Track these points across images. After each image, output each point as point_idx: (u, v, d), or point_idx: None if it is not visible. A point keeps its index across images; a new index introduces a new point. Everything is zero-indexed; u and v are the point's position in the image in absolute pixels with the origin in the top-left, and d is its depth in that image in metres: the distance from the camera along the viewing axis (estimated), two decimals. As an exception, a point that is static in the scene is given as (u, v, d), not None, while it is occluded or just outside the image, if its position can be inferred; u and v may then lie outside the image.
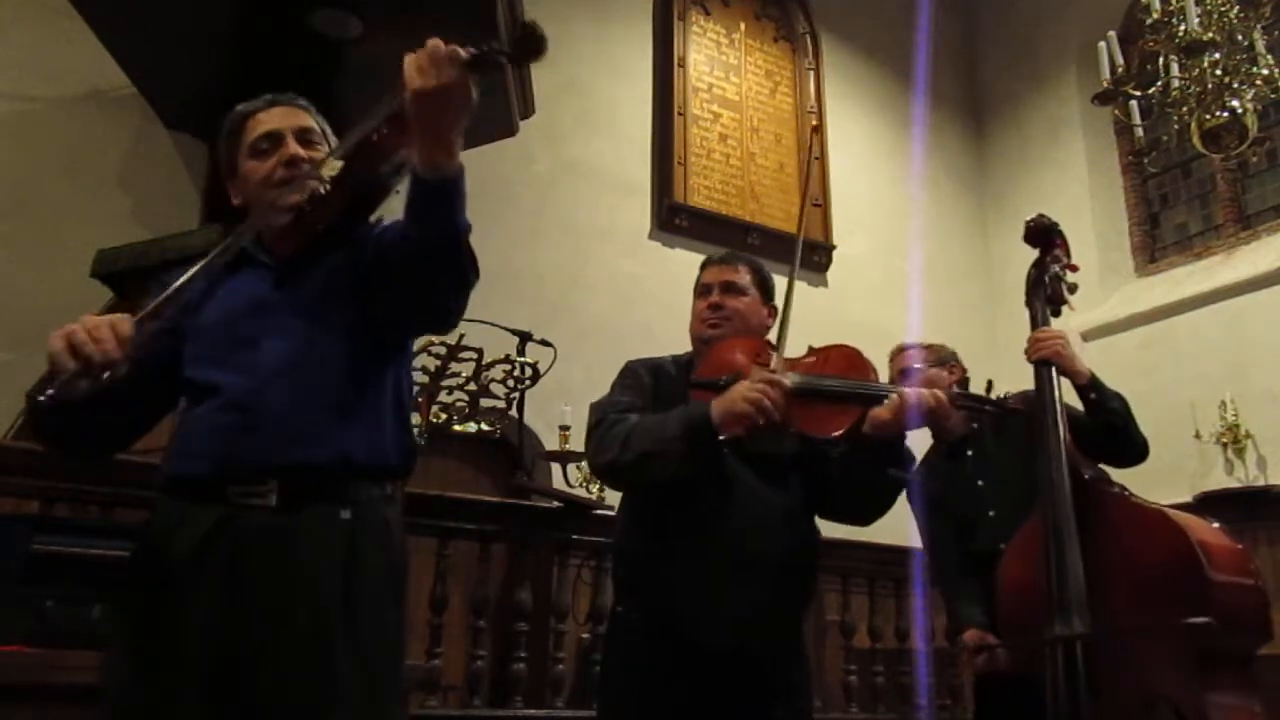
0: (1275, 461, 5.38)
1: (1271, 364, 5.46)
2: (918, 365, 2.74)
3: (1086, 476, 2.16)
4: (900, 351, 2.83)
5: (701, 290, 2.14)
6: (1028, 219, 2.47)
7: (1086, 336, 6.41)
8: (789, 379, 1.85)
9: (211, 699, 1.35)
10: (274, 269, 1.58)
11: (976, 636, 2.52)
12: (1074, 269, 2.44)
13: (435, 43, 1.33)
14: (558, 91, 5.47)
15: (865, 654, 3.94)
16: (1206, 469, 5.58)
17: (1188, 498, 5.31)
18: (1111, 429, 2.44)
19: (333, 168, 1.51)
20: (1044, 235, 2.44)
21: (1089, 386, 2.43)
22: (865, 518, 2.05)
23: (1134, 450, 2.51)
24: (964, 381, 2.75)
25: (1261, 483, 5.33)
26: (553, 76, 5.35)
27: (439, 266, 1.42)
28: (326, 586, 1.42)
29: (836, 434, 1.87)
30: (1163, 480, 5.55)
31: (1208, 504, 5.25)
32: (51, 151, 4.21)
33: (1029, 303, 2.43)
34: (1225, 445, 5.52)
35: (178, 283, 1.41)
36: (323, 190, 1.49)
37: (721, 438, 1.81)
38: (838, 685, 3.91)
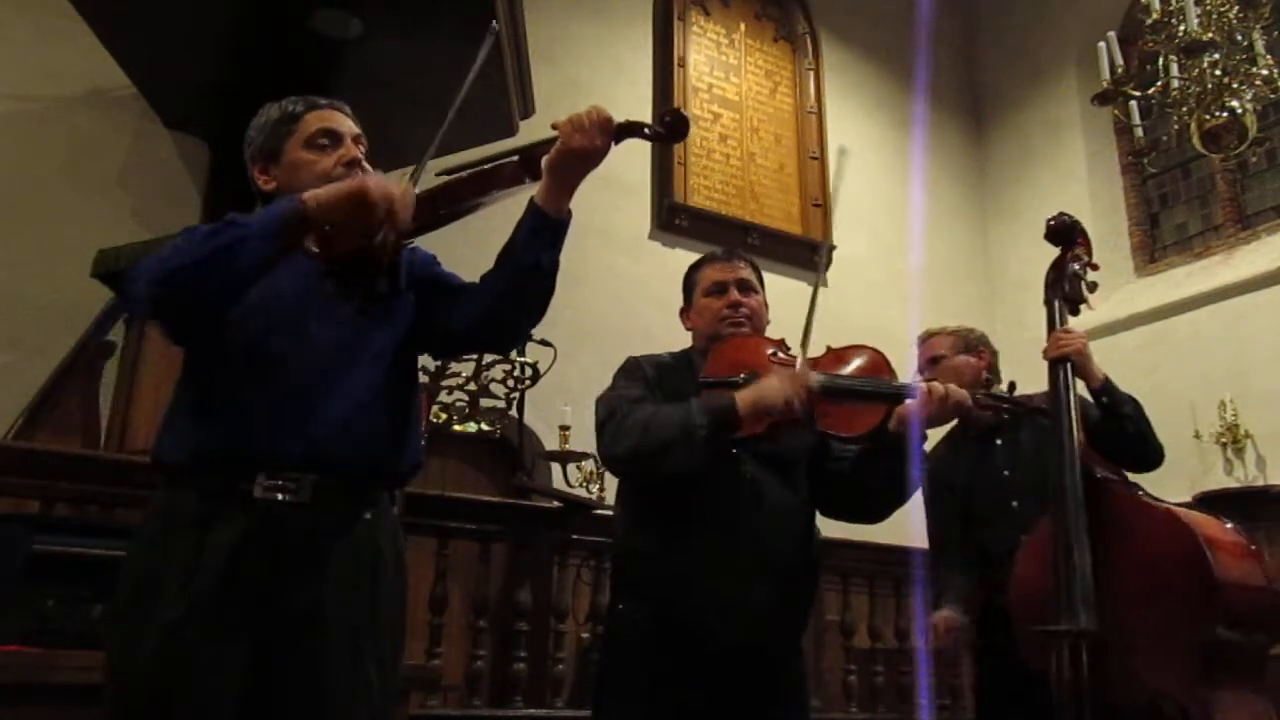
0: (1275, 461, 5.38)
1: (1271, 364, 5.46)
2: (944, 353, 2.69)
3: (1098, 476, 2.14)
4: (928, 338, 2.77)
5: (714, 288, 2.10)
6: (1049, 218, 2.47)
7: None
8: (814, 378, 1.86)
9: (244, 705, 1.34)
10: (316, 259, 1.53)
11: (947, 619, 2.61)
12: (1095, 268, 2.43)
13: (600, 110, 1.54)
14: (558, 92, 5.46)
15: (865, 654, 3.94)
16: (1206, 469, 5.58)
17: (1187, 497, 5.30)
18: (1124, 433, 2.42)
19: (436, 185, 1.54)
20: (1065, 234, 2.44)
21: (1102, 390, 2.42)
22: (878, 515, 2.05)
23: (1148, 454, 2.49)
24: (993, 368, 2.73)
25: (1261, 483, 5.33)
26: (553, 76, 5.35)
27: (534, 291, 1.57)
28: (359, 589, 1.44)
29: (861, 433, 1.88)
30: (1162, 480, 5.48)
31: (1207, 504, 5.24)
32: (51, 151, 4.21)
33: (1048, 301, 2.41)
34: (1225, 445, 5.52)
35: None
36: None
37: (741, 433, 1.81)
38: (838, 685, 3.91)
